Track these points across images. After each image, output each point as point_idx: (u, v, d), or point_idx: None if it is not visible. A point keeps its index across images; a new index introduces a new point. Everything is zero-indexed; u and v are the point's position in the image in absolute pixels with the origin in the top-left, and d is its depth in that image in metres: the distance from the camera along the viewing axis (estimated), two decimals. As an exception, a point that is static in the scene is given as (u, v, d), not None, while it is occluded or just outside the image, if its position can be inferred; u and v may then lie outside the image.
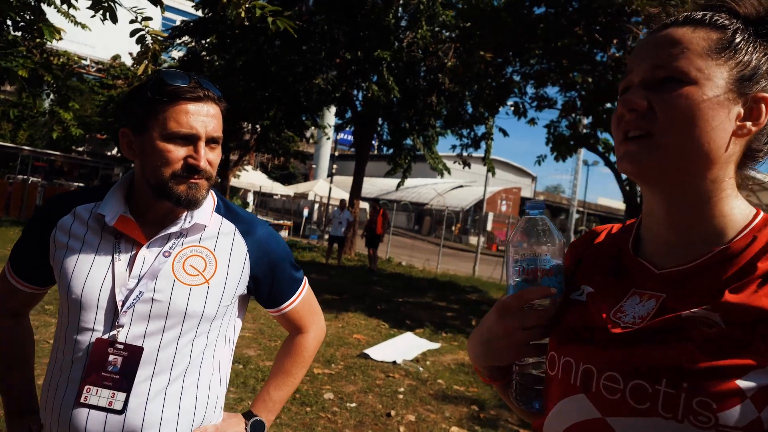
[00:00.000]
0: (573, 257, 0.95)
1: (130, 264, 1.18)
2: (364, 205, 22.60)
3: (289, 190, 30.00)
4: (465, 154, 14.22)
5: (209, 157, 1.19)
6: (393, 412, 4.24)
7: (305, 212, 25.35)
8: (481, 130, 14.15)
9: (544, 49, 8.62)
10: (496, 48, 8.14)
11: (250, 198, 32.52)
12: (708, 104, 0.71)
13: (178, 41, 17.73)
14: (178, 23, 17.60)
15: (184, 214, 1.23)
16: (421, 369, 5.53)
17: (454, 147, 14.09)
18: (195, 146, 1.16)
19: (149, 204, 1.22)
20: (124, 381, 1.13)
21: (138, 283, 1.16)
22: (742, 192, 0.79)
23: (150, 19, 5.22)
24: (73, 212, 1.24)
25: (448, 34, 12.29)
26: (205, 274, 1.21)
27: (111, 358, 1.13)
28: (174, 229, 1.21)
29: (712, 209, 0.76)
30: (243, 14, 4.83)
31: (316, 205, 27.50)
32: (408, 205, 30.56)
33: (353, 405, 4.33)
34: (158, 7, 5.18)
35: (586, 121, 10.71)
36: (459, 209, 28.14)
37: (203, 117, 1.16)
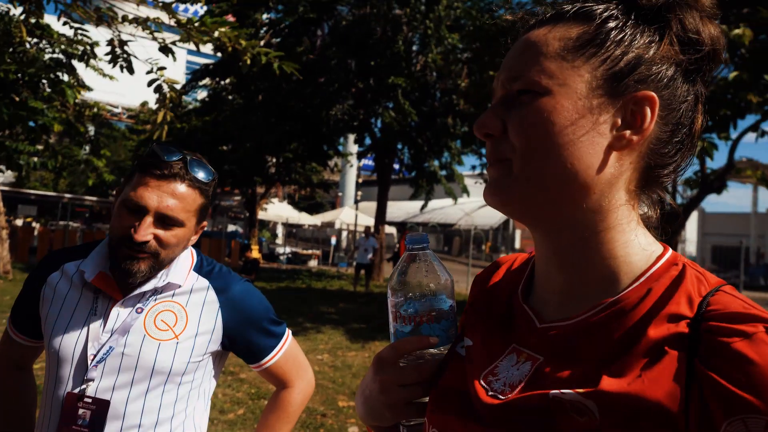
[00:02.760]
0: (471, 297, 0.79)
1: (105, 319, 1.22)
2: (391, 230, 22.62)
3: (316, 220, 30.29)
4: (485, 172, 14.22)
5: (160, 234, 1.19)
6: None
7: (333, 240, 25.51)
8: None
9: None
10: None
11: (279, 230, 32.94)
12: (564, 115, 0.58)
13: (201, 83, 18.36)
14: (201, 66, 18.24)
15: (160, 272, 1.26)
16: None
17: (474, 167, 14.10)
18: (141, 219, 1.17)
19: None
20: None
21: (110, 338, 1.19)
22: (649, 225, 0.64)
23: (164, 68, 5.45)
24: (61, 269, 1.29)
25: (460, 56, 12.43)
26: (175, 330, 1.23)
27: (80, 411, 1.16)
28: (147, 287, 1.24)
29: (600, 247, 0.60)
30: (248, 62, 5.01)
31: (344, 233, 27.67)
32: (436, 226, 30.44)
33: (377, 436, 4.29)
34: (169, 56, 5.41)
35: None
36: (488, 228, 27.90)
37: (162, 193, 1.17)
